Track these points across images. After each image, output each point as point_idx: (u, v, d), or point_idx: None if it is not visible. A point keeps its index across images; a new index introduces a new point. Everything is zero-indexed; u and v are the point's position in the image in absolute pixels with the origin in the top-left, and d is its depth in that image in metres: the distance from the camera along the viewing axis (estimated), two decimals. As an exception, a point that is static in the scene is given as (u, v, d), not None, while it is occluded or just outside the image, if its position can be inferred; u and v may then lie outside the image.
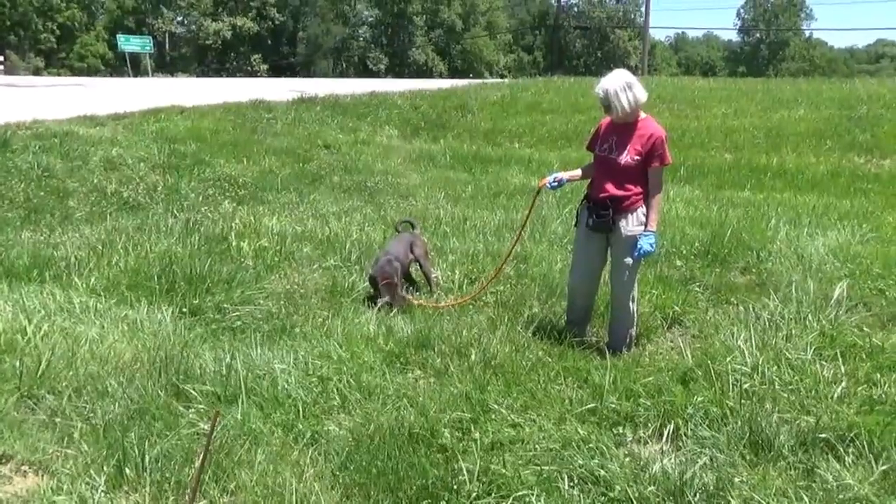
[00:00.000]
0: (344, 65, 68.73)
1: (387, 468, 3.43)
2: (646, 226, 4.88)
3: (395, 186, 11.31)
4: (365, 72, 63.02)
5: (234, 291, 5.73)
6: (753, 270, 6.84)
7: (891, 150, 14.09)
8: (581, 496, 3.36)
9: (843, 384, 4.40)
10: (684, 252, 7.23)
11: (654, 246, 4.94)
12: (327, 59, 67.48)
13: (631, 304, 5.11)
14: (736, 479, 3.48)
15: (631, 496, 3.33)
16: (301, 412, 4.00)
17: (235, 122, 15.04)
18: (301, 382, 4.28)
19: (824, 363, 4.71)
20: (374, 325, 5.21)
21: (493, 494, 3.30)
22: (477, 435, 3.79)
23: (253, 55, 61.87)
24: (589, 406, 4.17)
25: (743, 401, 4.21)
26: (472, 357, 4.76)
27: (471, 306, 5.74)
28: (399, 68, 65.61)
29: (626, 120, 4.86)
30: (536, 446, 3.73)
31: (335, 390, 4.23)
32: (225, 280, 5.92)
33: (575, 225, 5.30)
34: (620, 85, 4.73)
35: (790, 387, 4.37)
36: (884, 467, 3.54)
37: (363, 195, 10.56)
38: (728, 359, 4.68)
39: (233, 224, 7.84)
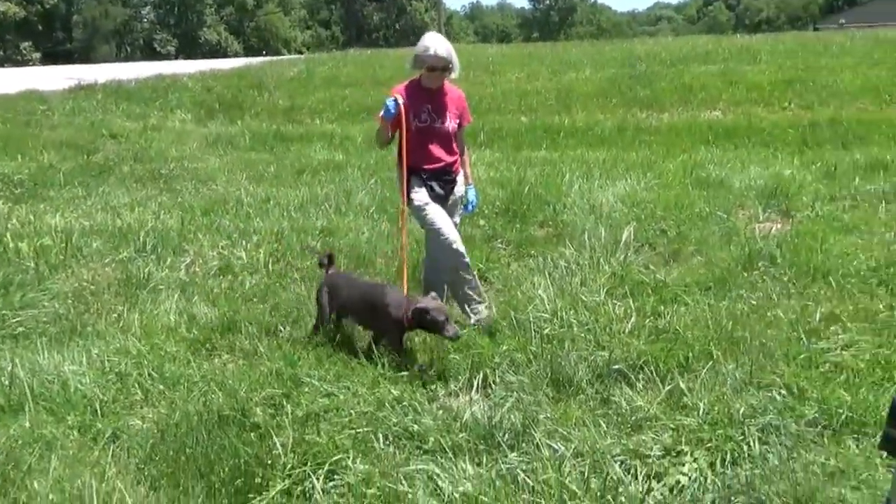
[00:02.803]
0: (128, 48, 64.45)
1: (196, 454, 3.32)
2: (466, 181, 5.09)
3: (192, 172, 10.82)
4: (153, 55, 59.48)
5: (12, 296, 5.26)
6: (551, 223, 7.24)
7: (668, 104, 15.34)
8: (396, 452, 3.43)
9: (633, 319, 4.79)
10: (486, 212, 7.51)
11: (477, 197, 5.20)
12: (109, 44, 62.92)
13: None
14: (541, 416, 3.69)
15: (444, 445, 3.44)
16: (99, 411, 3.78)
17: (5, 116, 13.71)
18: (97, 381, 4.04)
19: (616, 302, 5.09)
20: (175, 314, 4.99)
21: (308, 464, 3.29)
22: (289, 409, 3.75)
23: (22, 43, 56.45)
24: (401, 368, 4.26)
25: (544, 345, 4.45)
26: (282, 334, 4.70)
27: (278, 283, 5.65)
28: (190, 49, 62.54)
29: (438, 84, 4.85)
30: (351, 412, 3.75)
31: (136, 385, 4.03)
32: (1, 285, 5.41)
33: (408, 203, 4.85)
34: (451, 46, 4.79)
35: (586, 327, 4.68)
36: (669, 387, 3.89)
37: (158, 183, 10.02)
38: (530, 308, 4.93)
39: (8, 225, 7.17)
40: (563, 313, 4.89)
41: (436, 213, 4.83)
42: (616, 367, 4.17)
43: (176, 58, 56.90)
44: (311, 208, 7.94)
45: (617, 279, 5.56)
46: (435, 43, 4.73)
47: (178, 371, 4.19)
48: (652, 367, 4.12)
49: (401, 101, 4.68)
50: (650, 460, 3.34)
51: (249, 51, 62.51)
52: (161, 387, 4.02)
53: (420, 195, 4.84)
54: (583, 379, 4.09)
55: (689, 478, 3.22)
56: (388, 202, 8.02)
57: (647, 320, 4.82)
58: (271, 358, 4.35)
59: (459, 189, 5.03)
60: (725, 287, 5.29)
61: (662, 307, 5.03)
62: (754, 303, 4.94)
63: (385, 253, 6.28)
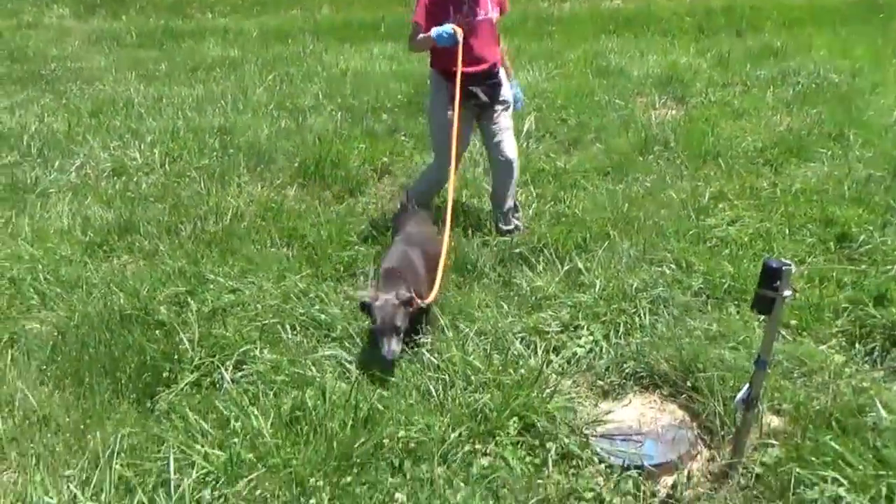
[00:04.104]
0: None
1: (99, 353, 3.29)
2: (508, 76, 4.53)
3: (76, 72, 10.12)
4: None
5: None
6: (453, 116, 7.18)
7: (569, -9, 15.13)
8: (304, 340, 3.49)
9: (535, 205, 4.92)
10: (389, 106, 7.40)
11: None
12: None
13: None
14: (445, 302, 3.80)
15: (352, 332, 3.52)
16: (-7, 317, 3.68)
17: None
18: (-11, 287, 3.91)
19: (518, 189, 5.18)
20: (68, 217, 4.81)
21: (217, 356, 3.31)
22: (195, 306, 3.73)
23: None
24: (307, 262, 4.26)
25: (450, 231, 4.52)
26: (183, 233, 4.61)
27: (176, 183, 5.49)
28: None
29: None
30: (258, 305, 3.77)
31: (31, 289, 3.92)
32: None
33: (448, 110, 4.20)
34: None
35: (489, 213, 4.77)
36: (567, 267, 4.05)
37: (39, 85, 9.36)
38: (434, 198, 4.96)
39: None
40: (467, 201, 4.97)
41: (447, 139, 4.13)
42: (517, 250, 4.30)
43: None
44: (207, 106, 7.63)
45: (519, 167, 5.64)
46: None
47: (76, 274, 4.08)
48: (551, 250, 4.26)
49: (460, 35, 4.03)
50: (549, 336, 3.51)
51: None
52: (58, 290, 3.92)
53: (450, 112, 4.16)
54: (486, 263, 4.20)
55: (585, 349, 3.42)
56: (287, 98, 7.80)
57: (548, 206, 4.96)
58: (173, 257, 4.28)
59: (507, 91, 4.44)
60: (623, 172, 5.46)
61: (562, 193, 5.17)
62: (649, 185, 5.14)
63: (286, 150, 6.14)
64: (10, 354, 3.34)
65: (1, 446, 2.83)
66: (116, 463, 2.62)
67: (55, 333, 3.51)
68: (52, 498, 2.47)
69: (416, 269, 3.61)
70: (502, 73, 4.40)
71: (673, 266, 3.96)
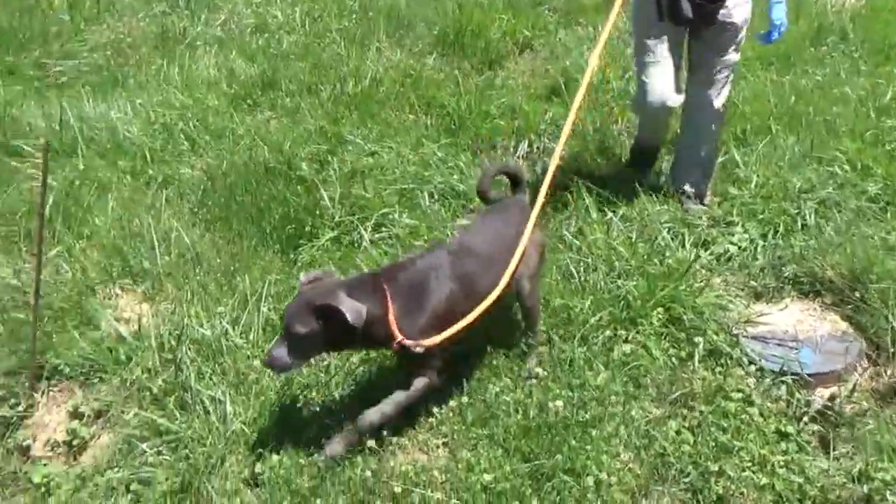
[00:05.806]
0: None
1: (245, 201, 3.36)
2: None
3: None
4: None
5: (51, 45, 5.17)
6: (602, -10, 6.73)
7: None
8: (442, 209, 3.45)
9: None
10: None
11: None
12: None
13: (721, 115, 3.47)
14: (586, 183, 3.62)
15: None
16: (149, 158, 3.82)
17: None
18: (144, 130, 4.06)
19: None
20: (215, 69, 4.86)
21: (356, 215, 3.32)
22: (336, 165, 3.73)
23: None
24: (446, 131, 4.17)
25: (594, 112, 4.31)
26: (323, 93, 4.57)
27: (316, 43, 5.43)
28: None
29: None
30: (396, 170, 3.73)
31: (182, 135, 4.02)
32: (39, 34, 5.28)
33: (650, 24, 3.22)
34: None
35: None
36: (722, 159, 3.78)
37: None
38: (578, 75, 4.69)
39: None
40: (615, 83, 4.68)
41: (650, 58, 3.23)
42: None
43: None
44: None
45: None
46: None
47: (222, 124, 4.16)
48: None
49: None
50: (699, 229, 3.31)
51: None
52: (207, 138, 4.02)
53: (648, 14, 3.18)
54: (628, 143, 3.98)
55: (739, 247, 3.20)
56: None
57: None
58: (314, 115, 4.27)
59: (740, 11, 3.16)
60: (790, 62, 4.99)
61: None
62: (820, 79, 4.67)
63: (426, 18, 5.93)
64: (165, 195, 3.46)
65: (160, 279, 2.97)
66: (263, 306, 2.70)
67: (205, 178, 3.60)
68: (206, 330, 2.58)
69: (427, 297, 2.26)
70: None
71: (846, 167, 3.61)
